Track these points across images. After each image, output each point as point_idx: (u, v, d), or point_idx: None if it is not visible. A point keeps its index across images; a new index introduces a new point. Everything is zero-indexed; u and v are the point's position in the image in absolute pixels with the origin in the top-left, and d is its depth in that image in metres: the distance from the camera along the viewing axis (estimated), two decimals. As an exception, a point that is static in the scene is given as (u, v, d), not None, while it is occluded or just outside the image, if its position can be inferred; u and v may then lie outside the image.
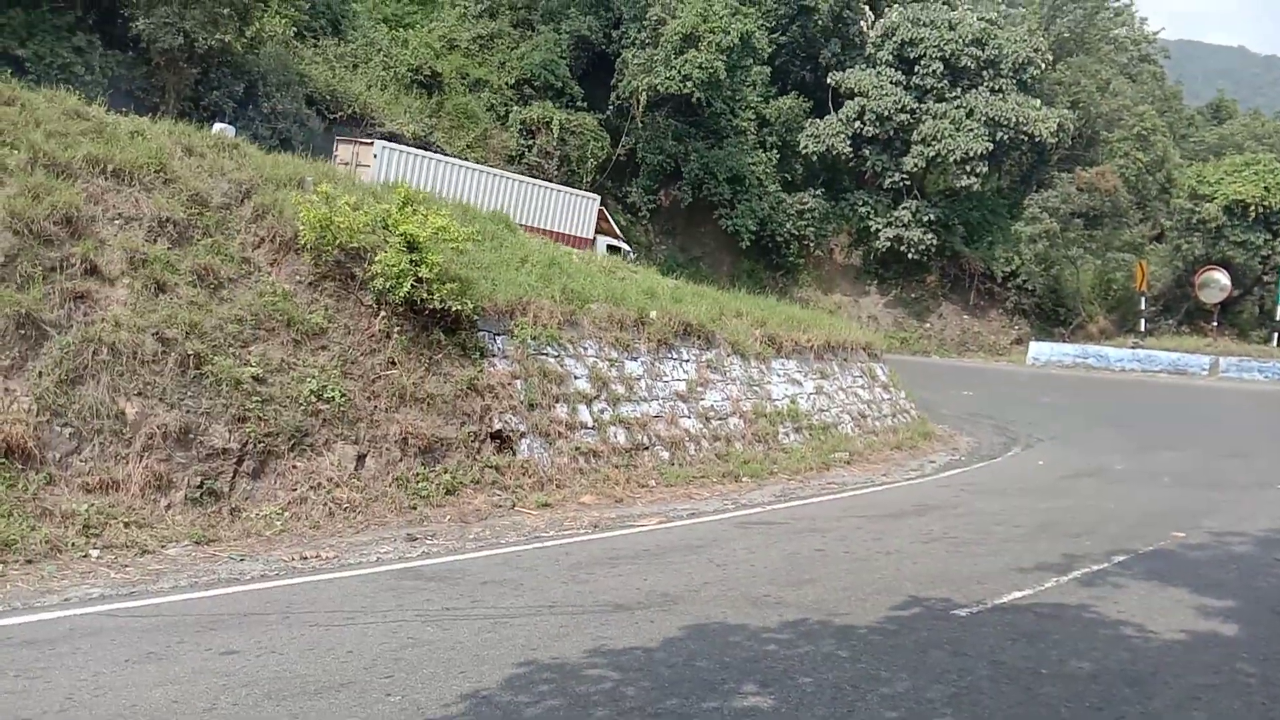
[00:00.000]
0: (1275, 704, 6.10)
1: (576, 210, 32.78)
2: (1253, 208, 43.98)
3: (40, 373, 8.91)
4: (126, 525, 8.63)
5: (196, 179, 11.55)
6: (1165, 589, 8.76)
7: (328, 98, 31.33)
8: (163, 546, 8.60)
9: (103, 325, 9.48)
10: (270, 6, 27.62)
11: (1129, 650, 7.02)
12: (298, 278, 11.50)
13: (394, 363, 11.53)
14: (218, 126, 14.33)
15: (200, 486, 9.38)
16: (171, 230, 10.81)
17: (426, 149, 31.59)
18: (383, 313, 11.73)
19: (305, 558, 8.80)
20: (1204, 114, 64.02)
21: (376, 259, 11.64)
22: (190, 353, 9.80)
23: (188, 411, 9.56)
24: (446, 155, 31.70)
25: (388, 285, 11.58)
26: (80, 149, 10.71)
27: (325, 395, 10.63)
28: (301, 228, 11.45)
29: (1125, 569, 9.49)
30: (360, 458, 10.71)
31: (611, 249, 32.87)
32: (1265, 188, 44.04)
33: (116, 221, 10.51)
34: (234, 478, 9.68)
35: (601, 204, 34.55)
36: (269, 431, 10.00)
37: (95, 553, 8.22)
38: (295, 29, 31.33)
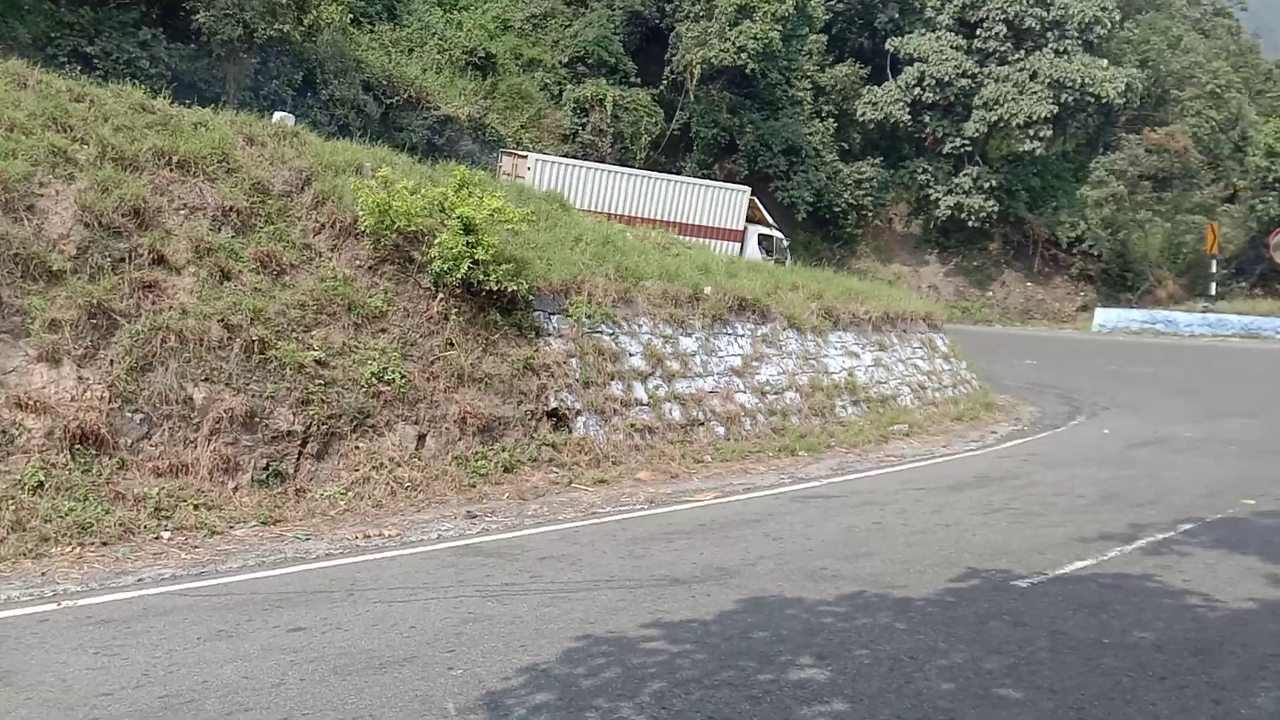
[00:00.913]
0: (1347, 675, 5.95)
1: (726, 204, 34.33)
2: (1335, 163, 42.27)
3: (112, 361, 9.24)
4: (196, 507, 8.93)
5: (258, 168, 11.79)
6: (1233, 557, 8.58)
7: (384, 83, 31.64)
8: (231, 527, 8.89)
9: (170, 313, 9.78)
10: (327, -6, 27.91)
11: (1194, 620, 6.90)
12: (357, 262, 11.71)
13: (452, 344, 11.70)
14: (278, 115, 14.54)
15: (266, 468, 9.66)
16: (235, 219, 11.07)
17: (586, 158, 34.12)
18: (440, 295, 11.91)
19: (368, 536, 9.03)
20: (1282, 67, 61.36)
21: (434, 242, 11.80)
22: (255, 338, 10.07)
23: (253, 396, 9.84)
24: (599, 163, 34.28)
25: (445, 267, 11.73)
26: (146, 142, 11.00)
27: (386, 377, 10.84)
28: (361, 213, 11.65)
29: (1192, 538, 9.30)
30: (421, 437, 10.92)
31: (764, 239, 34.54)
32: (1348, 142, 42.26)
33: (182, 212, 10.80)
34: (299, 459, 9.95)
35: (753, 194, 35.92)
36: (332, 414, 10.25)
37: (166, 534, 8.53)
38: (351, 15, 31.63)
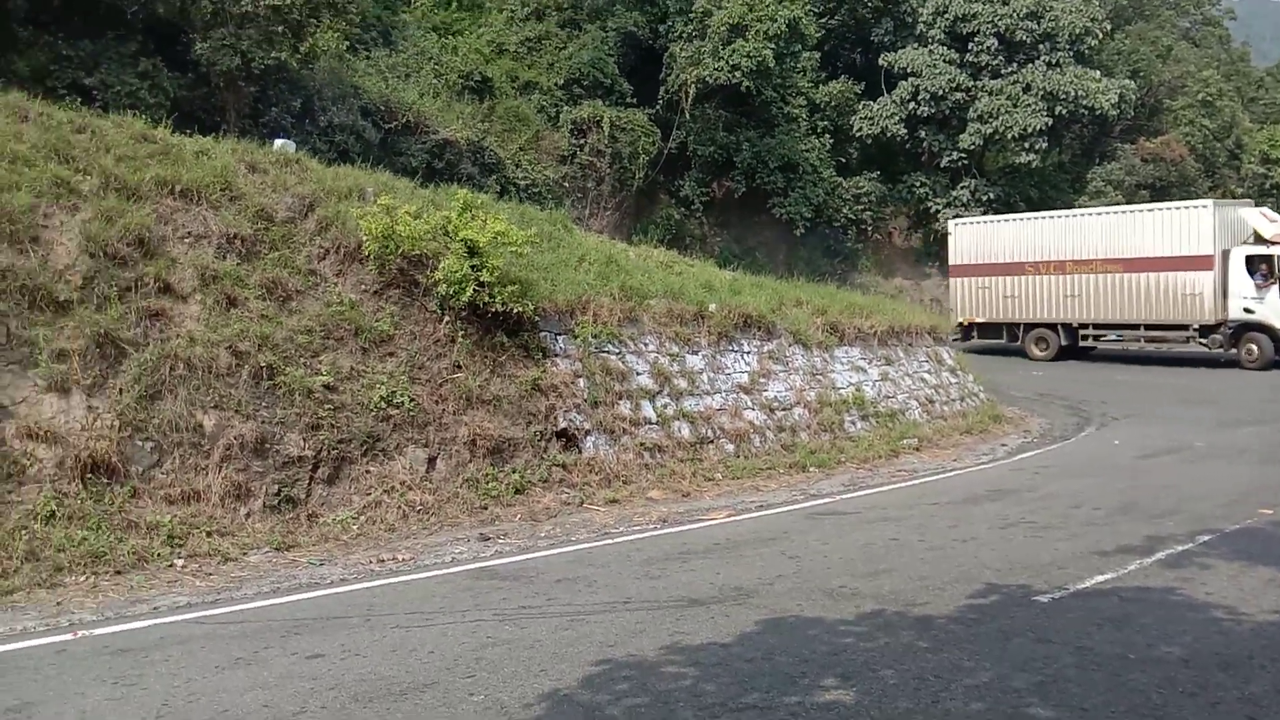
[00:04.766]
0: (1380, 685, 5.87)
1: (1180, 225, 27.84)
2: (1330, 168, 42.44)
3: (121, 389, 9.21)
4: (209, 534, 8.88)
5: (261, 195, 11.80)
6: (1255, 569, 8.48)
7: (382, 108, 31.65)
8: (244, 554, 8.83)
9: (178, 341, 9.76)
10: (323, 22, 27.93)
11: (1221, 633, 6.82)
12: (363, 287, 11.70)
13: (459, 366, 11.67)
14: (278, 142, 14.57)
15: (278, 494, 9.61)
16: (239, 246, 11.07)
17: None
18: (446, 318, 11.88)
19: (382, 560, 8.96)
20: (1274, 75, 61.78)
21: (439, 265, 11.79)
22: (263, 364, 10.04)
23: (263, 422, 9.79)
24: (1023, 214, 35.00)
25: (450, 291, 11.72)
26: (149, 171, 11.03)
27: (394, 401, 10.80)
28: (364, 238, 11.64)
29: (1211, 549, 9.21)
30: (431, 460, 10.86)
31: (1259, 260, 26.75)
32: (1342, 147, 42.45)
33: (186, 240, 10.79)
34: (310, 484, 9.90)
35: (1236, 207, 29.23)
36: (342, 438, 10.20)
37: (180, 562, 8.47)
38: (348, 42, 31.71)
